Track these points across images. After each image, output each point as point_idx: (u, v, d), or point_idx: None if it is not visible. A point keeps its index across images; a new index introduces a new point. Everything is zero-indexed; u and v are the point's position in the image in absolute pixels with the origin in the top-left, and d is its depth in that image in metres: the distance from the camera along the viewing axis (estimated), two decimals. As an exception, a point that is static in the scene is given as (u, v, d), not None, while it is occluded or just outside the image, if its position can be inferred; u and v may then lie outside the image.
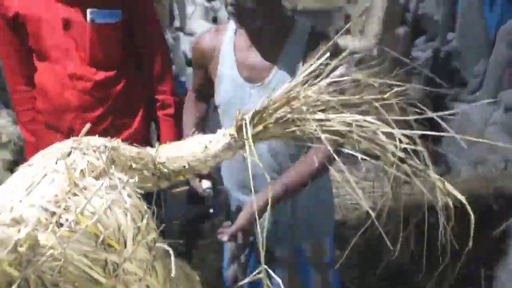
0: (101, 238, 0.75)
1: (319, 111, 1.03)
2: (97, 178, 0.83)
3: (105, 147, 0.90)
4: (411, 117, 1.13)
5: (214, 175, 1.51)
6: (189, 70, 4.87)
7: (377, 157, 1.04)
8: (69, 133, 1.78)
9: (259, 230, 0.88)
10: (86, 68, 1.76)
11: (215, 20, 5.82)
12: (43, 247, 0.69)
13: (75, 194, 0.77)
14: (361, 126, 1.00)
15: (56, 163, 0.82)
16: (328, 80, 1.07)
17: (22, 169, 0.84)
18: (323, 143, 0.98)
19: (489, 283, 2.27)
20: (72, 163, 0.82)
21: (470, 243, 0.96)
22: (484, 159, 2.97)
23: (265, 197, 1.32)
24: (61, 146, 0.87)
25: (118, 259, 0.78)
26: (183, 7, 5.13)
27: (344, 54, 1.13)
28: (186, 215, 1.41)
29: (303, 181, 1.38)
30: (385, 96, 1.10)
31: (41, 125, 1.88)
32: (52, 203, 0.75)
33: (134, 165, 0.99)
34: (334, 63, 1.10)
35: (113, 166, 0.89)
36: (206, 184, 1.50)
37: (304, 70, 1.08)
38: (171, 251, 0.85)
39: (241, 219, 1.35)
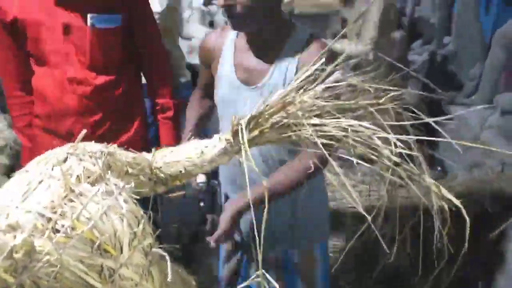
0: (97, 244, 0.76)
1: (315, 116, 1.03)
2: (93, 184, 0.83)
3: (101, 152, 0.90)
4: (406, 122, 1.14)
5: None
6: (186, 73, 4.87)
7: (372, 162, 1.04)
8: (68, 137, 1.78)
9: (256, 230, 0.88)
10: (86, 73, 1.77)
11: (212, 24, 5.83)
12: (39, 253, 0.69)
13: (71, 200, 0.77)
14: (357, 131, 1.00)
15: (52, 169, 0.82)
16: (323, 85, 1.07)
17: (18, 175, 0.84)
18: (318, 148, 0.98)
19: (486, 286, 2.27)
20: (68, 169, 0.83)
21: (466, 246, 0.96)
22: (480, 162, 2.97)
23: (245, 198, 1.36)
24: (57, 152, 0.87)
25: (114, 264, 0.78)
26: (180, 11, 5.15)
27: (340, 58, 1.14)
28: (182, 220, 1.42)
29: (288, 183, 1.38)
30: (381, 101, 1.10)
31: (39, 130, 1.88)
32: (48, 209, 0.75)
33: (130, 170, 1.00)
34: (329, 68, 1.11)
35: (109, 172, 0.89)
36: (200, 178, 1.53)
37: (299, 75, 1.09)
38: (167, 256, 0.85)
39: (223, 222, 1.38)
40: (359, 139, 1.01)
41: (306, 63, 1.33)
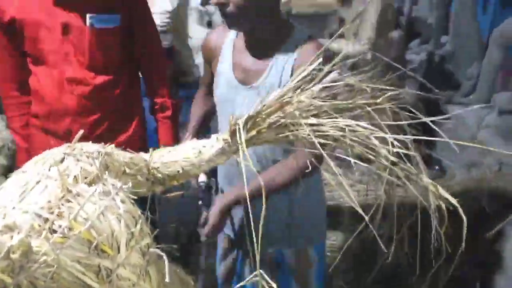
0: (94, 244, 0.76)
1: (312, 116, 1.03)
2: (90, 184, 0.83)
3: (99, 153, 0.90)
4: (404, 122, 1.14)
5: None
6: (195, 71, 4.86)
7: (370, 161, 1.04)
8: (67, 137, 1.78)
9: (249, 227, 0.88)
10: (85, 72, 1.77)
11: (210, 24, 5.82)
12: (36, 254, 0.69)
13: (68, 201, 0.77)
14: (354, 131, 1.01)
15: (50, 169, 0.82)
16: (321, 85, 1.07)
17: (15, 175, 0.84)
18: (315, 147, 0.99)
19: (484, 285, 2.28)
20: (65, 169, 0.83)
21: (463, 245, 0.97)
22: (478, 161, 2.98)
23: (235, 193, 1.41)
24: (54, 152, 0.87)
25: (112, 264, 0.78)
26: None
27: (337, 58, 1.14)
28: (180, 219, 1.43)
29: (280, 181, 1.38)
30: (378, 100, 1.11)
31: (36, 130, 1.88)
32: (45, 210, 0.75)
33: (128, 171, 1.00)
34: (327, 68, 1.11)
35: (106, 172, 0.89)
36: (201, 177, 1.57)
37: (297, 75, 1.09)
38: (164, 256, 0.85)
39: (212, 216, 1.41)
40: (356, 138, 1.01)
41: (301, 64, 1.34)
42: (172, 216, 1.45)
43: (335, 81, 1.09)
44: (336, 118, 1.02)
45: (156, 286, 0.87)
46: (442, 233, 0.98)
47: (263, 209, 0.87)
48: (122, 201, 0.82)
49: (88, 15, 1.70)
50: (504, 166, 2.84)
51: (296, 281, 1.65)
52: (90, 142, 0.94)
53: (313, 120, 1.01)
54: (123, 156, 0.99)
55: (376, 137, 0.99)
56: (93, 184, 0.83)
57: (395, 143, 0.98)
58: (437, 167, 3.31)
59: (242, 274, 1.72)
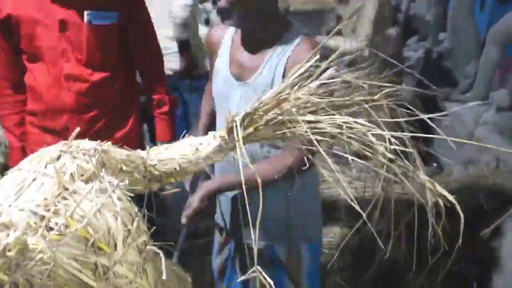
0: (91, 242, 0.75)
1: (309, 112, 1.03)
2: (87, 181, 0.82)
3: (95, 150, 0.90)
4: (402, 119, 1.14)
5: None
6: (206, 63, 4.85)
7: (367, 158, 1.04)
8: (64, 134, 1.79)
9: (250, 224, 0.87)
10: (82, 69, 1.77)
11: (207, 22, 5.81)
12: (32, 251, 0.69)
13: (64, 198, 0.77)
14: (351, 128, 1.00)
15: (46, 166, 0.82)
16: (318, 82, 1.07)
17: (11, 173, 0.83)
18: (312, 144, 0.98)
19: (481, 281, 2.28)
20: (61, 166, 0.82)
21: (460, 242, 0.97)
22: (475, 158, 2.99)
23: (219, 181, 1.45)
24: (50, 150, 0.86)
25: (108, 262, 0.78)
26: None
27: (334, 55, 1.14)
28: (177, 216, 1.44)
29: (265, 176, 1.34)
30: (375, 97, 1.10)
31: (32, 127, 1.88)
32: (42, 207, 0.75)
33: (124, 168, 0.99)
34: (324, 65, 1.11)
35: (103, 169, 0.89)
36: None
37: (294, 72, 1.08)
38: (161, 254, 0.85)
39: (194, 201, 1.42)
40: (353, 135, 1.01)
41: (294, 62, 1.34)
42: (170, 211, 1.45)
43: (332, 78, 1.09)
44: (334, 115, 1.02)
45: (153, 283, 0.87)
46: (439, 230, 0.98)
47: (260, 208, 0.87)
48: (119, 199, 0.82)
49: (86, 12, 1.71)
50: (502, 163, 2.84)
51: (289, 278, 1.64)
52: (87, 139, 0.94)
53: (310, 117, 1.01)
54: (119, 153, 0.99)
55: (373, 134, 0.99)
56: (90, 182, 0.83)
57: (393, 140, 0.98)
58: (434, 164, 3.31)
59: (234, 268, 1.73)
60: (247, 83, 1.45)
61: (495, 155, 2.85)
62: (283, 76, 1.39)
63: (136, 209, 0.86)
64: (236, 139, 1.02)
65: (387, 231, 1.40)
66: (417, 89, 1.51)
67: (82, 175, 0.83)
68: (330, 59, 1.12)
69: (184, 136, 1.16)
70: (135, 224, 0.83)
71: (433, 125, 1.05)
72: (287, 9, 5.01)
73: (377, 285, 2.37)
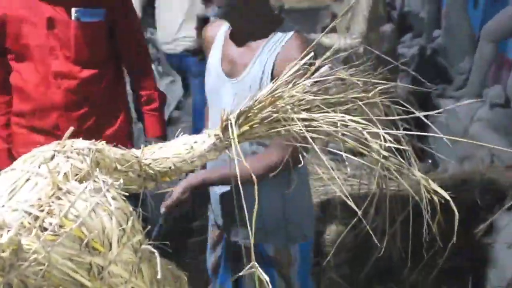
0: (85, 241, 0.75)
1: (304, 110, 1.03)
2: (81, 181, 0.82)
3: (89, 149, 0.89)
4: (397, 117, 1.14)
5: None
6: None
7: (363, 155, 1.04)
8: (54, 132, 1.78)
9: (248, 223, 0.87)
10: (71, 66, 1.77)
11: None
12: (26, 252, 0.69)
13: (58, 198, 0.77)
14: (346, 125, 1.00)
15: (39, 166, 0.81)
16: (312, 80, 1.07)
17: (4, 174, 0.83)
18: (307, 142, 0.98)
19: (475, 276, 2.29)
20: (55, 166, 0.82)
21: (454, 239, 0.97)
22: (470, 154, 3.00)
23: (204, 175, 1.44)
24: (44, 150, 0.86)
25: (103, 261, 0.77)
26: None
27: (328, 52, 1.14)
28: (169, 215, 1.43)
29: (254, 170, 1.33)
30: (370, 94, 1.10)
31: (20, 128, 1.86)
32: (36, 207, 0.74)
33: (119, 167, 0.99)
34: (318, 62, 1.11)
35: (97, 169, 0.88)
36: None
37: (288, 69, 1.08)
38: (156, 253, 0.85)
39: (175, 192, 1.42)
40: (348, 133, 1.01)
41: (284, 59, 1.34)
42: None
43: (326, 76, 1.09)
44: (328, 112, 1.02)
45: (149, 283, 0.87)
46: (434, 226, 0.99)
47: (256, 205, 0.86)
48: (113, 198, 0.82)
49: (73, 9, 1.71)
50: (496, 158, 2.86)
51: (279, 276, 1.64)
52: (77, 136, 0.93)
53: (305, 115, 1.01)
54: (114, 152, 0.99)
55: (368, 132, 0.99)
56: (84, 181, 0.82)
57: (387, 137, 0.98)
58: (429, 161, 3.32)
59: (226, 266, 1.73)
60: (237, 79, 1.45)
61: (489, 151, 2.86)
62: (272, 73, 1.38)
63: (131, 208, 0.86)
64: (231, 137, 1.02)
65: (383, 228, 1.41)
66: (411, 86, 1.51)
67: (76, 175, 0.83)
68: (325, 56, 1.12)
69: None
70: (130, 223, 0.83)
71: (428, 122, 1.06)
72: (282, 7, 5.01)
73: (372, 282, 2.37)
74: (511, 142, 2.96)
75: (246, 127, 1.05)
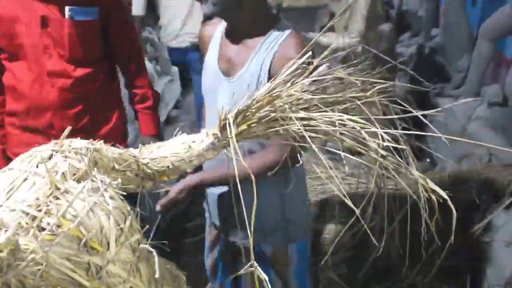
0: (83, 241, 0.75)
1: (302, 109, 1.03)
2: (79, 180, 0.82)
3: (87, 149, 0.89)
4: (395, 116, 1.14)
5: None
6: (174, 68, 4.85)
7: (361, 154, 1.05)
8: (48, 132, 1.78)
9: (247, 223, 0.87)
10: (65, 65, 1.78)
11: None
12: (24, 252, 0.68)
13: (56, 198, 0.76)
14: (344, 125, 1.00)
15: (37, 166, 0.81)
16: (310, 79, 1.07)
17: (2, 173, 0.83)
18: (305, 141, 0.98)
19: (473, 275, 2.30)
20: (53, 166, 0.82)
21: (452, 238, 0.97)
22: (468, 153, 3.00)
23: (202, 176, 1.44)
24: (41, 149, 0.86)
25: (101, 261, 0.77)
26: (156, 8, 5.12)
27: (326, 51, 1.14)
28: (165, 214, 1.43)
29: (253, 169, 1.32)
30: (368, 93, 1.11)
31: (13, 128, 1.86)
32: (33, 207, 0.74)
33: (117, 167, 0.99)
34: (316, 61, 1.11)
35: (95, 168, 0.88)
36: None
37: (286, 69, 1.08)
38: (154, 252, 0.85)
39: (172, 191, 1.42)
40: (346, 132, 1.01)
41: (281, 57, 1.34)
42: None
43: (325, 75, 1.09)
44: (326, 111, 1.02)
45: (147, 282, 0.87)
46: (432, 225, 0.99)
47: (254, 204, 0.86)
48: (111, 197, 0.81)
49: (67, 8, 1.71)
50: (494, 157, 2.86)
51: (277, 275, 1.64)
52: (72, 135, 0.93)
53: (303, 114, 1.01)
54: (112, 152, 0.99)
55: (366, 131, 0.99)
56: (82, 181, 0.82)
57: (385, 136, 0.98)
58: (428, 160, 3.32)
59: (224, 266, 1.73)
60: (234, 78, 1.45)
61: (487, 150, 2.86)
62: (269, 71, 1.38)
63: (129, 207, 0.86)
64: (229, 136, 1.02)
65: (381, 227, 1.41)
66: (409, 85, 1.51)
67: (74, 175, 0.83)
68: (323, 55, 1.12)
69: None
70: (127, 223, 0.83)
71: (426, 121, 1.06)
72: (280, 5, 5.00)
73: (371, 281, 2.37)
74: (509, 140, 2.96)
75: (244, 126, 1.05)
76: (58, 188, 0.78)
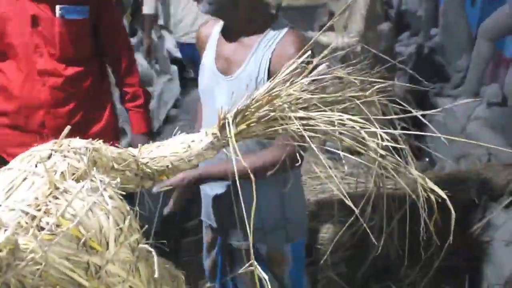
0: (82, 241, 0.75)
1: (301, 109, 1.03)
2: (78, 180, 0.82)
3: (86, 148, 0.89)
4: (395, 116, 1.14)
5: None
6: (173, 67, 4.84)
7: (360, 154, 1.05)
8: (40, 130, 1.78)
9: (247, 224, 0.87)
10: (56, 64, 1.78)
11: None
12: (23, 251, 0.68)
13: (55, 197, 0.76)
14: (344, 124, 1.01)
15: (36, 166, 0.81)
16: (309, 78, 1.07)
17: (1, 173, 0.83)
18: (304, 140, 0.98)
19: (473, 274, 2.30)
20: (52, 165, 0.82)
21: (451, 238, 0.97)
22: (468, 153, 3.00)
23: (201, 170, 1.37)
24: (40, 149, 0.86)
25: (101, 261, 0.77)
26: (167, 5, 5.12)
27: (326, 51, 1.14)
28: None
29: (257, 167, 1.31)
30: (367, 93, 1.11)
31: (3, 129, 1.86)
32: (33, 207, 0.74)
33: (116, 166, 0.99)
34: (316, 60, 1.11)
35: (94, 168, 0.88)
36: None
37: (285, 68, 1.08)
38: (153, 252, 0.85)
39: (174, 178, 1.34)
40: (346, 132, 1.01)
41: (280, 55, 1.34)
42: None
43: (324, 74, 1.09)
44: (325, 111, 1.02)
45: (146, 282, 0.87)
46: (431, 225, 0.99)
47: (254, 205, 0.86)
48: (111, 197, 0.81)
49: (58, 6, 1.72)
50: (493, 157, 2.86)
51: (273, 275, 1.64)
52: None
53: (302, 114, 1.01)
54: (111, 151, 0.99)
55: (365, 130, 0.99)
56: (81, 180, 0.82)
57: (384, 136, 0.98)
58: (427, 159, 3.33)
59: (223, 267, 1.73)
60: (232, 77, 1.44)
61: (487, 149, 2.86)
62: (269, 69, 1.38)
63: (128, 207, 0.86)
64: (229, 136, 1.02)
65: (380, 226, 1.41)
66: (409, 84, 1.51)
67: (73, 174, 0.83)
68: (322, 55, 1.12)
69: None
70: (127, 222, 0.83)
71: (425, 121, 1.06)
72: (279, 4, 5.00)
73: (370, 280, 2.38)
74: (508, 140, 2.97)
75: (243, 126, 1.05)
76: (57, 188, 0.78)
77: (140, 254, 0.85)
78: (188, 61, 4.05)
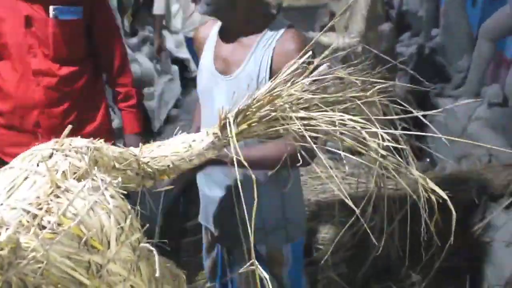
0: (84, 240, 0.75)
1: (303, 109, 1.03)
2: (79, 179, 0.82)
3: (88, 148, 0.89)
4: (396, 117, 1.14)
5: None
6: (174, 67, 4.85)
7: (361, 154, 1.05)
8: (34, 130, 1.79)
9: (248, 224, 0.87)
10: (50, 64, 1.79)
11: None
12: (25, 250, 0.69)
13: (57, 196, 0.76)
14: (345, 124, 1.01)
15: (38, 165, 0.81)
16: (310, 78, 1.07)
17: (2, 172, 0.83)
18: (306, 141, 0.98)
19: (473, 275, 2.30)
20: (53, 164, 0.82)
21: (451, 239, 0.97)
22: (468, 153, 3.00)
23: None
24: (42, 148, 0.86)
25: (102, 260, 0.77)
26: (167, 5, 5.14)
27: (327, 51, 1.14)
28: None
29: (273, 155, 1.29)
30: (368, 93, 1.11)
31: (0, 129, 1.87)
32: (34, 205, 0.74)
33: (117, 165, 0.99)
34: (317, 61, 1.11)
35: (95, 167, 0.88)
36: None
37: (287, 68, 1.08)
38: (155, 251, 0.85)
39: None
40: (346, 132, 1.01)
41: (281, 53, 1.34)
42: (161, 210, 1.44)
43: (325, 74, 1.09)
44: (327, 111, 1.02)
45: (147, 281, 0.87)
46: (432, 225, 0.99)
47: (254, 205, 0.86)
48: (112, 196, 0.82)
49: (51, 7, 1.72)
50: (494, 157, 2.86)
51: (272, 275, 1.64)
52: (59, 133, 0.93)
53: (303, 114, 1.01)
54: (112, 150, 0.99)
55: (366, 131, 0.99)
56: (82, 179, 0.82)
57: (385, 136, 0.98)
58: (427, 160, 3.33)
59: (223, 268, 1.73)
60: (231, 76, 1.44)
61: (487, 150, 2.86)
62: (271, 68, 1.38)
63: (129, 206, 0.86)
64: (230, 136, 1.02)
65: (381, 226, 1.41)
66: (410, 85, 1.51)
67: (74, 173, 0.83)
68: (323, 55, 1.12)
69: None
70: (128, 221, 0.83)
71: (426, 122, 1.06)
72: (280, 5, 5.00)
73: (370, 281, 2.38)
74: (509, 141, 2.97)
75: (244, 126, 1.05)
76: (58, 187, 0.78)
77: (141, 253, 0.85)
78: (194, 55, 4.13)
